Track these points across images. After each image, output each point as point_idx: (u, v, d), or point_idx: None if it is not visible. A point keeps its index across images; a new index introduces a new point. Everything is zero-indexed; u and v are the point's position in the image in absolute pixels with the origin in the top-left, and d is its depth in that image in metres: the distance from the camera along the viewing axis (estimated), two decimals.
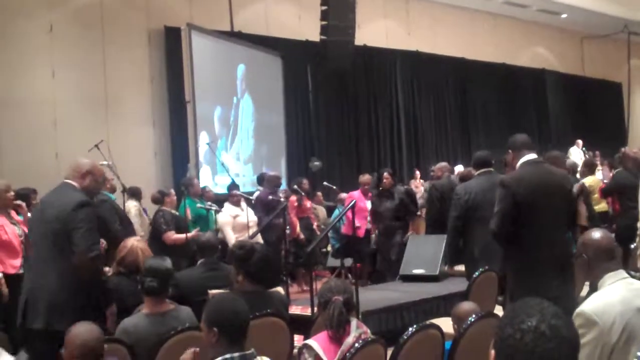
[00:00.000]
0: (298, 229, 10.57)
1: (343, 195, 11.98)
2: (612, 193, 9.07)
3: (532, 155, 4.78)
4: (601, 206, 9.96)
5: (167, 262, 4.44)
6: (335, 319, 3.66)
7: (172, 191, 9.89)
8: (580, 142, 19.46)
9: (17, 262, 6.44)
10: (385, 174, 9.82)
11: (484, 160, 7.02)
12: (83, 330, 3.38)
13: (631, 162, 8.61)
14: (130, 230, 8.02)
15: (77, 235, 4.39)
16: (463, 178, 10.16)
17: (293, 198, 10.84)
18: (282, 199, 9.81)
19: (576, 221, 4.70)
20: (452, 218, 6.79)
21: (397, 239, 9.47)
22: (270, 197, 9.80)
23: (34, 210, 5.40)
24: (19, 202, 6.80)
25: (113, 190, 8.97)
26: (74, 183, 4.69)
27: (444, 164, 10.13)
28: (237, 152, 14.35)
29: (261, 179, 11.13)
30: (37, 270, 4.61)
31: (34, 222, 4.87)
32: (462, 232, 6.76)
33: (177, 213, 9.18)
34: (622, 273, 3.31)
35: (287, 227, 9.22)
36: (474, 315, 4.10)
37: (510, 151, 4.88)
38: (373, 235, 10.36)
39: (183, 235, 8.29)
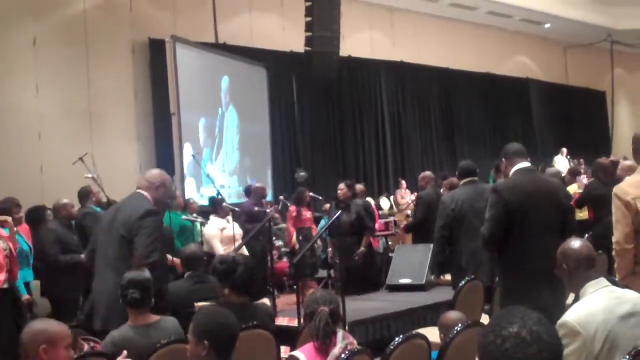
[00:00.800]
0: (294, 239, 10.56)
1: (327, 205, 11.98)
2: (586, 203, 9.09)
3: (525, 164, 4.77)
4: (582, 215, 9.99)
5: (146, 273, 4.41)
6: (321, 330, 3.65)
7: None
8: (564, 150, 19.57)
9: (2, 276, 6.39)
10: (341, 185, 9.19)
11: (469, 170, 7.06)
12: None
13: (602, 172, 8.64)
14: None
15: (139, 241, 4.61)
16: (451, 187, 10.21)
17: (292, 208, 10.87)
18: (267, 210, 9.80)
19: (567, 230, 4.66)
20: (438, 227, 6.80)
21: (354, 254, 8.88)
22: (256, 208, 9.79)
23: (102, 217, 5.36)
24: (3, 217, 6.76)
25: (99, 203, 8.94)
26: (146, 194, 4.95)
27: (428, 173, 10.09)
28: (223, 164, 14.34)
29: (248, 191, 11.17)
30: (100, 275, 4.82)
31: (101, 229, 5.00)
32: (449, 241, 6.78)
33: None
34: (603, 281, 3.31)
35: (273, 237, 9.23)
36: (460, 325, 4.11)
37: (503, 159, 4.87)
38: (329, 250, 9.88)
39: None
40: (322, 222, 11.63)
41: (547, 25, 22.51)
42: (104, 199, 9.50)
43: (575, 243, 3.48)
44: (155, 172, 5.21)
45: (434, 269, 7.45)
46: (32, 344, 3.22)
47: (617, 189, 4.40)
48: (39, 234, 7.90)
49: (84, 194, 8.52)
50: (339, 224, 8.19)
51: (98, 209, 8.56)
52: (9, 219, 6.85)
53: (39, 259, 7.52)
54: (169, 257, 6.91)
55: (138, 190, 5.00)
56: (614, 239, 4.43)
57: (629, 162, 8.72)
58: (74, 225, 8.11)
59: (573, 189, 10.00)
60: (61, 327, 3.35)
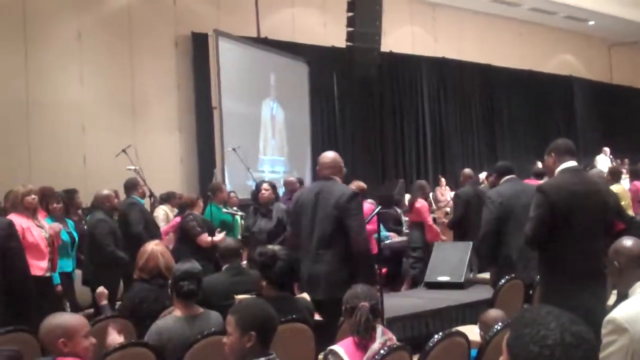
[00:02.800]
0: None
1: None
2: None
3: (572, 163, 4.66)
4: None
5: (197, 265, 4.48)
6: (362, 325, 3.66)
7: (200, 197, 9.86)
8: (607, 149, 19.28)
9: (44, 264, 6.50)
10: (265, 186, 8.06)
11: (508, 168, 7.01)
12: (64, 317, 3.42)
13: None
14: (156, 235, 8.09)
15: (351, 220, 5.13)
16: (493, 184, 10.13)
17: None
18: None
19: (611, 231, 4.57)
20: (489, 220, 6.67)
21: None
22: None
23: (304, 198, 5.49)
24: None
25: (143, 195, 9.01)
26: (337, 178, 5.41)
27: (467, 170, 10.02)
28: (263, 158, 14.40)
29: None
30: (318, 247, 5.24)
31: (308, 207, 5.34)
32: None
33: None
34: None
35: None
36: (500, 323, 4.08)
37: (553, 154, 4.74)
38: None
39: (217, 238, 8.24)
40: None
41: (591, 23, 22.20)
42: (146, 191, 9.62)
43: (628, 241, 3.45)
44: (334, 156, 5.59)
45: (484, 262, 7.31)
46: (50, 339, 3.31)
47: None
48: (85, 223, 8.04)
49: (131, 186, 8.58)
50: (259, 232, 7.63)
51: (142, 201, 8.64)
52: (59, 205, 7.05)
53: (90, 249, 7.63)
54: None
55: (332, 177, 5.40)
56: None
57: None
58: (119, 215, 8.22)
59: (615, 189, 9.85)
60: (76, 318, 3.44)
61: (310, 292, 5.00)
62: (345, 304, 3.82)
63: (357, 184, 8.73)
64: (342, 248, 5.16)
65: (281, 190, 11.37)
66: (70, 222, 7.81)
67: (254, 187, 10.42)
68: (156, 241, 5.65)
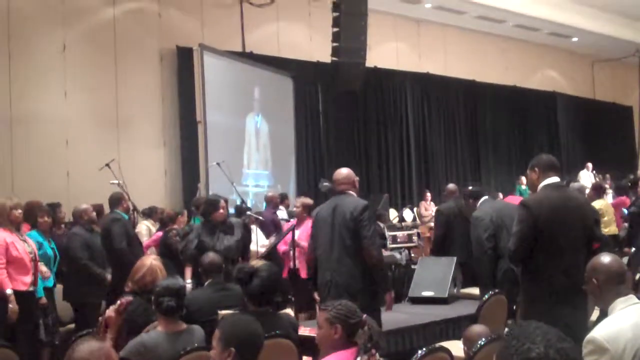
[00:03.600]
0: None
1: None
2: None
3: (555, 179, 4.68)
4: (611, 229, 9.91)
5: (180, 281, 4.47)
6: (376, 337, 3.62)
7: (185, 211, 9.87)
8: (590, 165, 19.41)
9: (28, 278, 6.45)
10: (222, 203, 7.55)
11: (479, 191, 7.34)
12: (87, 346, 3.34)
13: None
14: (138, 251, 8.06)
15: (364, 231, 5.43)
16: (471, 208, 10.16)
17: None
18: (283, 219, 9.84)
19: (592, 248, 4.58)
20: (485, 239, 6.73)
21: None
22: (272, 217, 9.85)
23: (322, 213, 5.80)
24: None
25: (127, 210, 8.96)
26: (352, 192, 5.74)
27: (451, 185, 9.96)
28: (247, 171, 14.38)
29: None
30: (338, 259, 5.53)
31: (327, 222, 5.65)
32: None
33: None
34: (633, 298, 3.28)
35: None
36: (484, 339, 4.08)
37: (537, 169, 4.76)
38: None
39: None
40: None
41: (575, 39, 22.38)
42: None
43: (606, 258, 3.45)
44: (348, 172, 5.93)
45: (488, 285, 7.27)
46: None
47: None
48: (62, 238, 7.98)
49: (115, 201, 8.53)
50: (227, 250, 7.15)
51: (126, 216, 8.60)
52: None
53: (65, 263, 7.55)
54: None
55: (347, 192, 5.73)
56: None
57: None
58: (102, 230, 8.18)
59: (597, 205, 9.90)
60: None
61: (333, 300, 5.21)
62: (346, 319, 3.72)
63: (302, 201, 8.85)
64: (361, 258, 5.45)
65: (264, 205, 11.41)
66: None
67: (238, 202, 10.43)
68: (154, 256, 5.63)
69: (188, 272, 7.37)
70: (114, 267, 7.62)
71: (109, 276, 7.56)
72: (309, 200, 8.83)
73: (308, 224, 7.36)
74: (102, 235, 8.02)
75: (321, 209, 5.94)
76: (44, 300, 7.03)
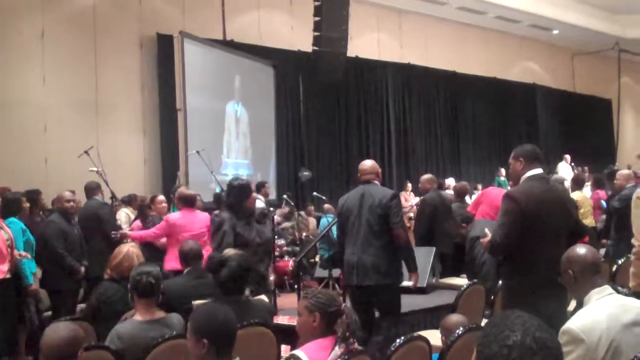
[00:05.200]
0: None
1: (327, 205, 11.97)
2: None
3: (539, 170, 4.66)
4: (588, 221, 9.98)
5: (155, 266, 4.45)
6: (354, 326, 3.63)
7: (161, 197, 9.77)
8: (568, 157, 19.47)
9: (5, 267, 6.42)
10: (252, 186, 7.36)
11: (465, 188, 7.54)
12: (59, 331, 3.33)
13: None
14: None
15: (394, 217, 5.93)
16: (459, 193, 10.20)
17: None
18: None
19: (575, 239, 4.57)
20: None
21: None
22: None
23: (350, 200, 6.17)
24: None
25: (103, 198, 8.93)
26: (376, 181, 6.21)
27: (427, 176, 9.88)
28: (227, 160, 14.34)
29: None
30: (364, 241, 5.98)
31: (354, 207, 6.08)
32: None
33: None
34: (608, 289, 3.29)
35: (276, 237, 9.18)
36: (461, 328, 4.10)
37: (521, 159, 4.73)
38: None
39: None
40: (324, 221, 11.64)
41: (556, 32, 22.49)
42: (107, 193, 9.52)
43: (581, 249, 3.45)
44: (372, 162, 6.36)
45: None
46: (73, 348, 3.23)
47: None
48: (40, 225, 7.93)
49: (94, 188, 8.49)
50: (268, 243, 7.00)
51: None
52: None
53: (42, 251, 7.48)
54: None
55: (373, 182, 6.18)
56: (635, 242, 4.41)
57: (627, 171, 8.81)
58: (89, 214, 8.17)
59: (576, 196, 9.98)
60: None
61: (361, 280, 5.93)
62: (325, 308, 3.72)
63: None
64: (386, 241, 5.92)
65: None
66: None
67: (217, 190, 10.38)
68: (132, 243, 5.62)
69: None
70: (100, 253, 7.53)
71: (82, 268, 7.51)
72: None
73: None
74: (89, 219, 8.00)
75: (348, 197, 6.26)
76: (34, 286, 7.03)
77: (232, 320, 3.19)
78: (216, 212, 8.11)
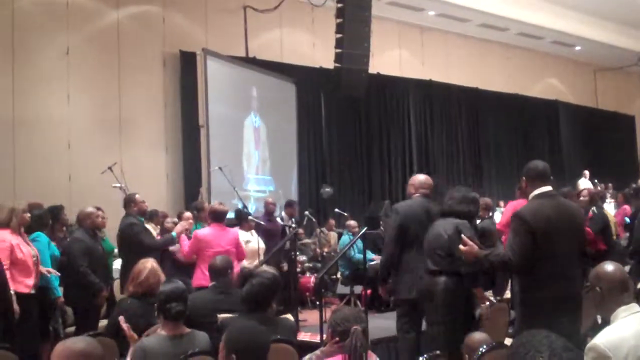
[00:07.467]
0: None
1: (351, 222, 11.92)
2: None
3: (546, 188, 4.65)
4: None
5: (181, 284, 4.45)
6: (359, 350, 3.61)
7: (188, 214, 9.73)
8: (587, 172, 19.29)
9: (31, 281, 6.47)
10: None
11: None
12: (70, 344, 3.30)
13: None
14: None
15: None
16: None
17: None
18: (292, 225, 9.79)
19: (586, 255, 4.56)
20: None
21: None
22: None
23: (414, 213, 6.28)
24: None
25: (142, 212, 8.88)
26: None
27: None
28: (249, 176, 14.39)
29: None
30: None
31: (422, 223, 6.10)
32: None
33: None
34: (635, 307, 3.27)
35: (297, 252, 9.18)
36: (485, 346, 4.08)
37: (524, 178, 4.76)
38: None
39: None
40: (344, 238, 11.61)
41: (578, 48, 22.43)
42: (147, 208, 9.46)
43: (610, 266, 3.42)
44: (426, 177, 6.76)
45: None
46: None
47: None
48: (63, 242, 7.97)
49: (127, 202, 8.51)
50: None
51: (142, 219, 8.57)
52: None
53: (66, 267, 7.47)
54: None
55: (426, 197, 6.43)
56: None
57: None
58: (119, 233, 8.24)
59: None
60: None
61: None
62: (335, 326, 3.75)
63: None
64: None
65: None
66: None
67: (240, 206, 10.41)
68: (152, 259, 5.63)
69: None
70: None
71: (105, 287, 7.48)
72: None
73: None
74: (120, 239, 8.08)
75: (410, 210, 6.33)
76: (61, 299, 7.08)
77: (263, 338, 3.21)
78: None
